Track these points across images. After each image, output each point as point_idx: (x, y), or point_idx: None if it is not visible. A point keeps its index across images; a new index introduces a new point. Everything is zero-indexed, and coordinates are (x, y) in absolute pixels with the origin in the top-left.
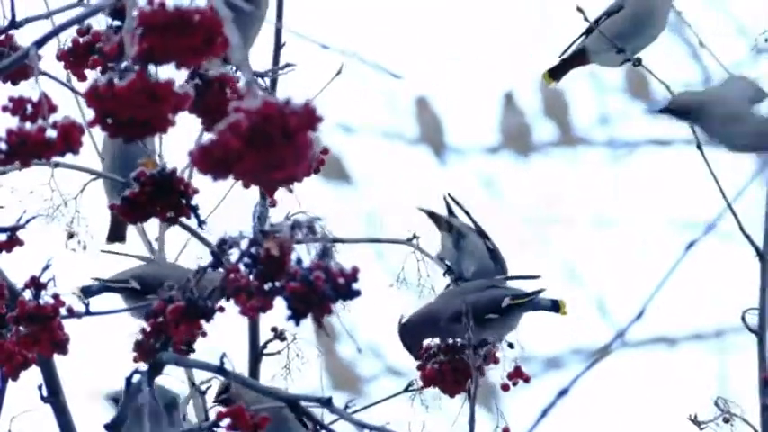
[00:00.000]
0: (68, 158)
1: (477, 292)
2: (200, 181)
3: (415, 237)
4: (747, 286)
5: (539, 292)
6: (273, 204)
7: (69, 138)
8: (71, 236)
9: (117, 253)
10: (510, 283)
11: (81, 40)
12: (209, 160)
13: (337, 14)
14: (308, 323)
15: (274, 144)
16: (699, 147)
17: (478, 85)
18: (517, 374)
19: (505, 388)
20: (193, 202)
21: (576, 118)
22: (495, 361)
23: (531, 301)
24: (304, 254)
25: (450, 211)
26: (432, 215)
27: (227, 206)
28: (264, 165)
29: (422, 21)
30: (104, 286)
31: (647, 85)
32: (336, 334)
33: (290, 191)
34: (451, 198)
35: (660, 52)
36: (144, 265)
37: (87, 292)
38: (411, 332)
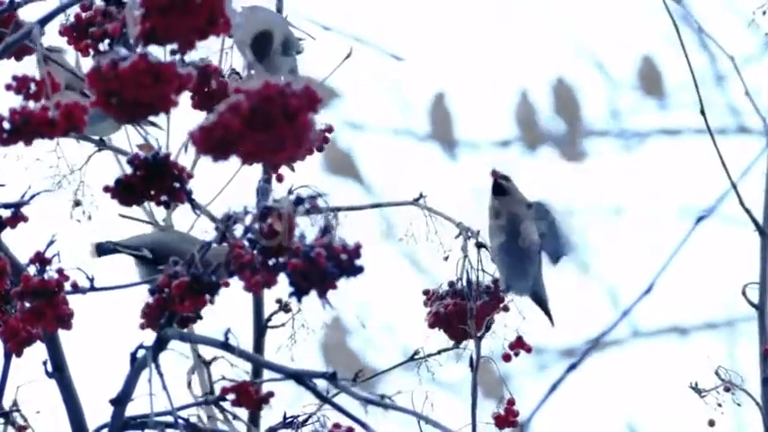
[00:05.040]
0: None
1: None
2: (205, 161)
3: (421, 196)
4: (752, 266)
5: None
6: (280, 180)
7: (72, 117)
8: (77, 203)
9: (134, 219)
10: None
11: (84, 15)
12: (210, 141)
13: (344, 6)
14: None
15: (275, 125)
16: (704, 117)
17: (490, 78)
18: (519, 345)
19: (507, 358)
20: (188, 187)
21: (588, 112)
22: (506, 309)
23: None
24: (308, 229)
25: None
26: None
27: (233, 186)
28: (265, 146)
29: (432, 15)
30: (117, 249)
31: (661, 82)
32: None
33: (292, 169)
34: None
35: (669, 45)
36: (159, 233)
37: (101, 250)
38: None
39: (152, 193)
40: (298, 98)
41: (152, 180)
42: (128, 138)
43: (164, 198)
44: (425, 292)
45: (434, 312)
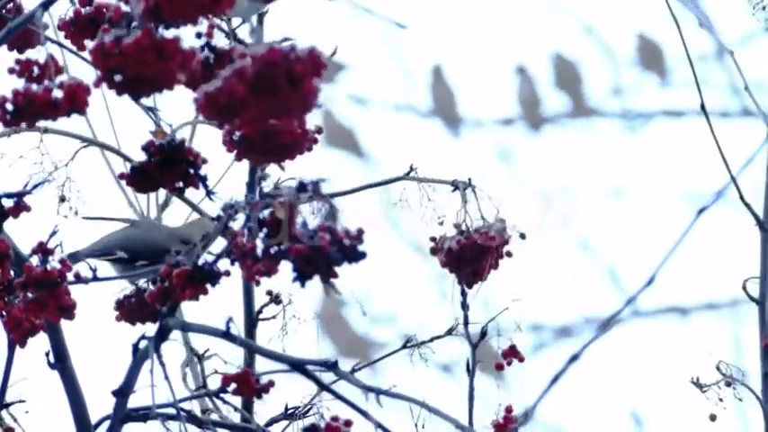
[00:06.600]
0: (59, 124)
1: None
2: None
3: (412, 169)
4: (754, 257)
5: None
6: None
7: (75, 98)
8: (62, 199)
9: (100, 218)
10: None
11: (83, 11)
12: (215, 107)
13: None
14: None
15: (280, 90)
16: (705, 112)
17: (492, 55)
18: (512, 353)
19: (500, 367)
20: (202, 172)
21: (590, 90)
22: (509, 254)
23: None
24: (309, 216)
25: None
26: None
27: (229, 180)
28: (270, 111)
29: None
30: (89, 254)
31: (661, 58)
32: (343, 300)
33: (282, 168)
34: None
35: (671, 21)
36: (125, 229)
37: (75, 258)
38: None
39: (166, 179)
40: (302, 63)
41: (167, 166)
42: (114, 133)
43: (178, 184)
44: (432, 239)
45: (447, 249)
